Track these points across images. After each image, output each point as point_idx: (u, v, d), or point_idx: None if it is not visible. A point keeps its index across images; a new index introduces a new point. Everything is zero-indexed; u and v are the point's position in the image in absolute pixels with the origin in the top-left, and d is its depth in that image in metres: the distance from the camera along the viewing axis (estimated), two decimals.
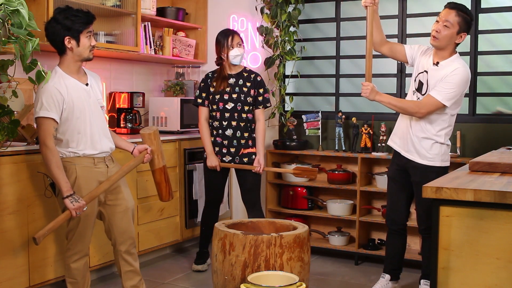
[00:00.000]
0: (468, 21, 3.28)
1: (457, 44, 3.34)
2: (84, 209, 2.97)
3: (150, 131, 3.34)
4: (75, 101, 3.00)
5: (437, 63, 3.34)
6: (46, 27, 3.03)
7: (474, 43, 4.31)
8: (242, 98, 4.03)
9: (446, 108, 3.31)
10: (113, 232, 3.19)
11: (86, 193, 3.01)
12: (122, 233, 3.19)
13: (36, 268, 3.42)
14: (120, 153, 3.57)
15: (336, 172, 4.60)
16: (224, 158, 4.07)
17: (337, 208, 4.58)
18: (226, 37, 4.02)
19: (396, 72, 4.62)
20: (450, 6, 3.31)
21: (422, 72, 3.40)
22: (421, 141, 3.39)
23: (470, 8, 4.26)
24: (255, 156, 4.07)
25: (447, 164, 3.42)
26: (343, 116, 4.63)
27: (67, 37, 2.97)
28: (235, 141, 4.05)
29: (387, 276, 3.65)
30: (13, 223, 3.27)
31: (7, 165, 3.24)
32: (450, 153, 3.53)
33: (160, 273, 4.15)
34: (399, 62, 4.53)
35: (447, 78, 3.25)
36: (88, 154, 3.05)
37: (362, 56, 3.42)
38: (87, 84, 3.10)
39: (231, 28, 4.77)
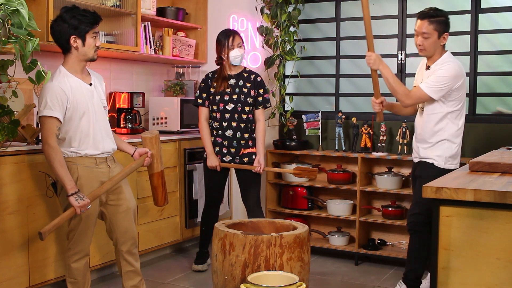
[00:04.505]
0: (442, 22, 3.35)
1: (444, 45, 3.42)
2: (88, 207, 2.97)
3: (151, 135, 3.34)
4: (79, 101, 3.00)
5: (428, 67, 3.44)
6: (52, 26, 3.02)
7: (474, 43, 4.31)
8: (242, 98, 4.02)
9: (441, 105, 3.35)
10: (115, 232, 3.19)
11: (88, 193, 3.01)
12: (124, 233, 3.19)
13: (36, 268, 3.42)
14: (120, 154, 3.57)
15: (336, 172, 4.60)
16: (224, 158, 4.07)
17: (337, 208, 4.58)
18: (227, 37, 4.01)
19: (396, 72, 4.61)
20: (419, 17, 3.40)
21: (422, 82, 3.46)
22: (422, 142, 3.46)
23: (470, 8, 4.28)
24: (255, 156, 4.07)
25: (453, 166, 3.37)
26: (343, 116, 4.63)
27: (73, 36, 2.97)
28: (235, 141, 4.04)
29: (404, 287, 3.54)
30: (13, 223, 3.27)
31: (8, 165, 3.24)
32: None
33: (160, 273, 4.15)
34: (399, 61, 4.56)
35: (435, 72, 3.34)
36: (90, 154, 3.05)
37: (362, 56, 3.42)
38: (90, 84, 3.10)
39: (231, 28, 4.77)
